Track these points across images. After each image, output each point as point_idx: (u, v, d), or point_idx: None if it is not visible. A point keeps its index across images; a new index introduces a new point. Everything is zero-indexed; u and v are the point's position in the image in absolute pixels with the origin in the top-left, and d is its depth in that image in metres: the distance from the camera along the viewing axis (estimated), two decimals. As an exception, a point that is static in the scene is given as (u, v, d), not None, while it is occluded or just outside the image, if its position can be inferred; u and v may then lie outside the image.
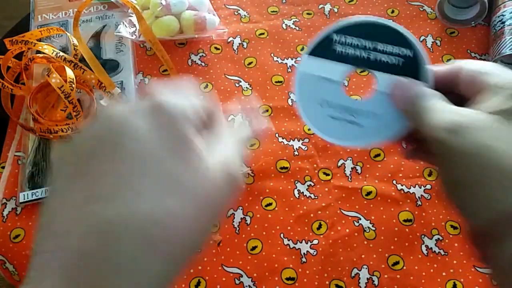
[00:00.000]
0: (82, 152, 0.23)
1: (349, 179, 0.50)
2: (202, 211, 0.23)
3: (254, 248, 0.46)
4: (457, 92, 0.28)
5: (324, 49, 0.32)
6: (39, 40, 0.57)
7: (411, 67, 0.29)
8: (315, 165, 0.51)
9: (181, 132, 0.23)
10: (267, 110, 0.55)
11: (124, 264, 0.20)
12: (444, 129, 0.25)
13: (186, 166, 0.23)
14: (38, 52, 0.55)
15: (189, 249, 0.23)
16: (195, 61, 0.60)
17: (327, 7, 0.64)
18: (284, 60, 0.59)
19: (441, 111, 0.26)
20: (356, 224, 0.47)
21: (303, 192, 0.49)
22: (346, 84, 0.54)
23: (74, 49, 0.56)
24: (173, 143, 0.23)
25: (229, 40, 0.61)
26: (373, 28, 0.31)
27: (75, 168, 0.22)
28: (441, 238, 0.46)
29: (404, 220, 0.47)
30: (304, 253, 0.46)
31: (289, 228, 0.47)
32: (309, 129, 0.53)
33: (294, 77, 0.32)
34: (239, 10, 0.65)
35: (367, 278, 0.45)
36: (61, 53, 0.54)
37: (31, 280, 0.20)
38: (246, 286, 0.44)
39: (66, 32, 0.58)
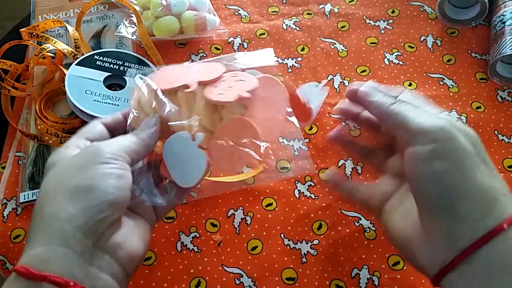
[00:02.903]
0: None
1: (350, 179, 0.50)
2: None
3: (254, 248, 0.46)
4: None
5: (88, 62, 0.52)
6: (46, 31, 0.58)
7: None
8: (315, 165, 0.51)
9: None
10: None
11: None
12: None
13: None
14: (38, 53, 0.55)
15: None
16: (196, 62, 0.60)
17: (328, 7, 0.64)
18: (284, 60, 0.59)
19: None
20: (357, 224, 0.47)
21: (303, 192, 0.49)
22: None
23: (76, 49, 0.57)
24: None
25: (229, 40, 0.61)
26: (122, 54, 0.54)
27: None
28: (441, 238, 0.46)
29: (405, 220, 0.47)
30: (304, 253, 0.46)
31: (289, 228, 0.47)
32: (309, 129, 0.53)
33: (66, 78, 0.51)
34: (239, 10, 0.65)
35: (368, 278, 0.44)
36: (74, 52, 0.55)
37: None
38: (246, 286, 0.44)
39: (71, 27, 0.57)
